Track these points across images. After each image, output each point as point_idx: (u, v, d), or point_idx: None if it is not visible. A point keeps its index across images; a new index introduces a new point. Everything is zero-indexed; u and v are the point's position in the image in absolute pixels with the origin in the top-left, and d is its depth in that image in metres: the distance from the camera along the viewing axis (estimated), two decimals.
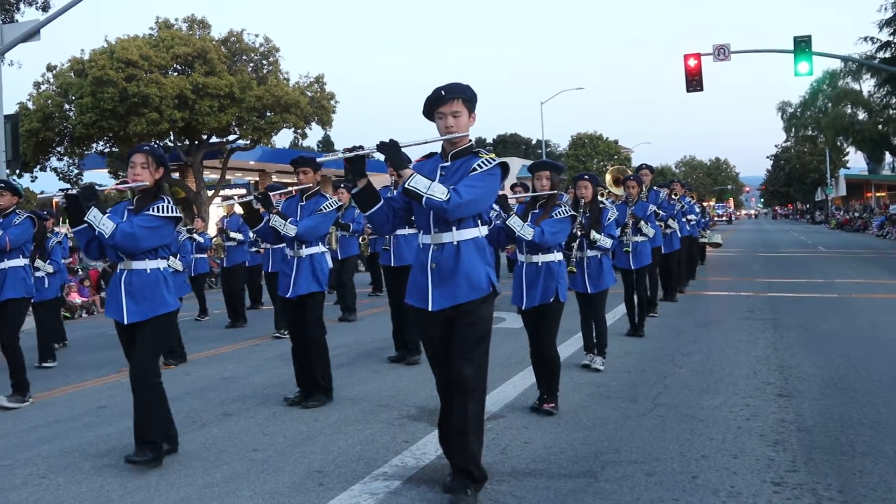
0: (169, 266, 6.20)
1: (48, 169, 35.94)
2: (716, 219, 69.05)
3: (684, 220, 16.63)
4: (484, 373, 4.92)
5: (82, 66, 31.34)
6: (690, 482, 5.16)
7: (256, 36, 35.76)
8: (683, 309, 14.34)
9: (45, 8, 27.82)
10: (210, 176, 40.58)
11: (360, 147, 4.99)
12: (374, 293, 18.76)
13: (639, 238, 11.41)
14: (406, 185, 4.76)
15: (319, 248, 7.93)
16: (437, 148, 5.21)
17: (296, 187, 8.02)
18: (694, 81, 27.97)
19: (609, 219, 8.68)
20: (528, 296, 7.00)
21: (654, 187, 14.73)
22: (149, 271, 5.98)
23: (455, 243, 4.91)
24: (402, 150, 4.95)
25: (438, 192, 4.67)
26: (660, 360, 9.36)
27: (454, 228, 4.91)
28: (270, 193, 7.95)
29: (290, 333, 7.97)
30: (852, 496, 4.88)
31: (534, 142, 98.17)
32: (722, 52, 27.89)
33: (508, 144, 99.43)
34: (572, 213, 7.11)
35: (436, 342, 5.03)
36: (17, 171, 30.93)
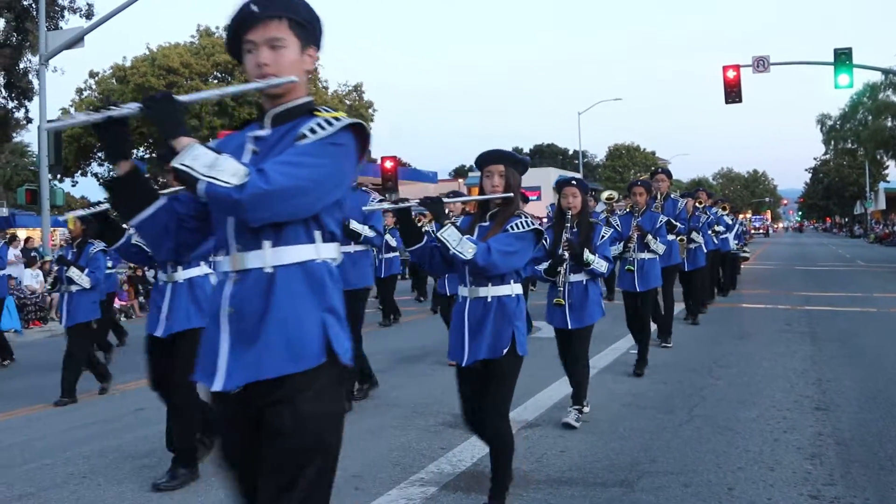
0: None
1: (89, 174, 36.50)
2: (752, 231, 68.50)
3: (710, 232, 15.44)
4: None
5: (124, 72, 31.81)
6: (727, 494, 5.15)
7: None
8: (720, 321, 14.26)
9: (88, 15, 28.19)
10: None
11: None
12: (418, 299, 18.86)
13: (645, 255, 9.52)
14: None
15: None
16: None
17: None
18: (732, 93, 27.80)
19: (602, 236, 7.06)
20: (472, 347, 4.80)
21: (673, 195, 12.74)
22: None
23: (269, 271, 2.73)
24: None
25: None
26: (696, 372, 9.32)
27: (266, 243, 2.74)
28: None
29: None
30: None
31: (570, 152, 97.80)
32: (761, 64, 27.71)
33: (545, 155, 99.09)
34: (535, 226, 4.78)
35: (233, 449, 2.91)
36: (59, 176, 31.39)
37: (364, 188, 8.22)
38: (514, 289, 4.87)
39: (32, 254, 21.29)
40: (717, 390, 8.30)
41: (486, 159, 4.94)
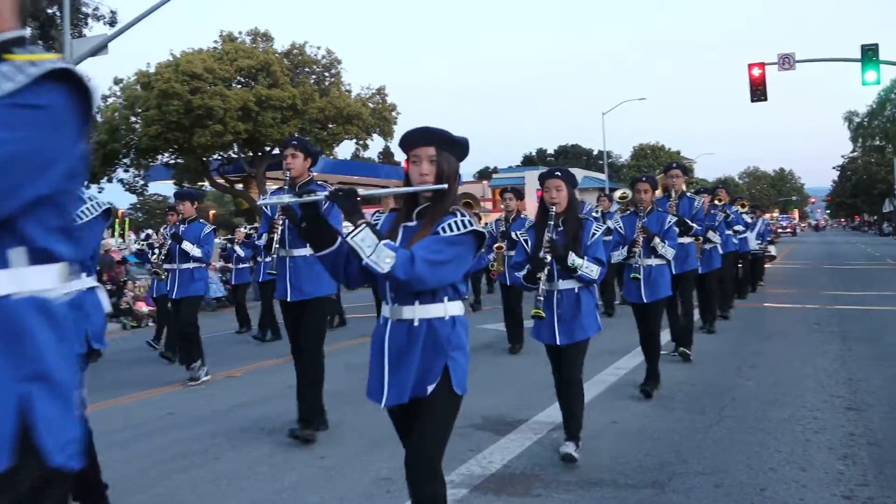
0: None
1: (115, 180, 36.75)
2: (779, 230, 68.04)
3: (729, 232, 14.59)
4: None
5: (148, 79, 31.95)
6: (759, 494, 5.11)
7: (319, 48, 36.27)
8: (748, 321, 14.18)
9: (112, 23, 28.39)
10: (273, 187, 41.04)
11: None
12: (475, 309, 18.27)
13: (653, 261, 8.32)
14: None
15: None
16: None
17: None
18: (758, 91, 27.69)
19: (593, 234, 6.00)
20: (393, 383, 3.71)
21: (689, 193, 11.24)
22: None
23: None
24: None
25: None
26: (725, 372, 9.26)
27: None
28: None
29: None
30: None
31: (595, 153, 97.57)
32: (787, 62, 27.57)
33: (569, 155, 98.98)
34: (474, 227, 3.64)
35: None
36: (86, 182, 31.61)
37: (319, 183, 7.32)
38: (450, 308, 3.72)
39: None
40: (747, 391, 8.25)
41: (411, 140, 3.77)
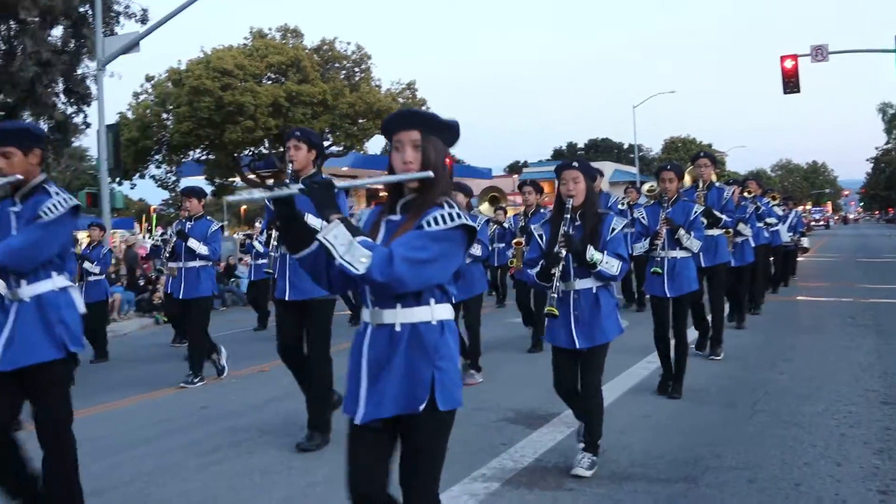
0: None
1: (147, 176, 37.09)
2: (812, 223, 67.43)
3: (760, 225, 13.99)
4: None
5: (179, 76, 32.18)
6: (793, 489, 5.08)
7: (348, 43, 36.43)
8: (780, 315, 14.06)
9: (143, 20, 28.53)
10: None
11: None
12: (499, 304, 18.27)
13: (678, 253, 7.92)
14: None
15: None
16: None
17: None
18: (791, 83, 27.44)
19: (613, 229, 5.61)
20: (371, 396, 3.27)
21: (718, 184, 10.45)
22: None
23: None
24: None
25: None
26: (758, 366, 9.20)
27: None
28: None
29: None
30: None
31: (626, 146, 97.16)
32: (819, 53, 27.29)
33: (600, 149, 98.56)
34: (463, 221, 3.20)
35: None
36: (118, 179, 31.90)
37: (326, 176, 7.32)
38: (438, 312, 3.27)
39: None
40: (781, 384, 8.19)
41: (393, 124, 3.42)
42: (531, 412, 7.31)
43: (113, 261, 15.74)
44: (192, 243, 9.94)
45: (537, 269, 5.65)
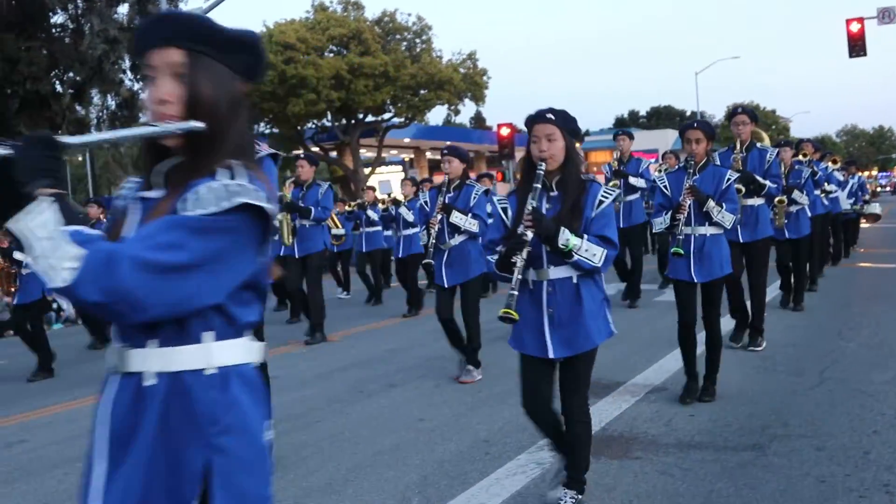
0: None
1: None
2: (878, 189, 65.82)
3: (818, 192, 12.17)
4: None
5: None
6: (862, 457, 5.04)
7: (409, 15, 36.45)
8: (845, 282, 13.82)
9: None
10: (366, 154, 41.40)
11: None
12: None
13: (706, 230, 6.40)
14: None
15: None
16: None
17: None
18: (857, 46, 26.78)
19: (599, 204, 4.20)
20: (111, 493, 1.93)
21: (760, 144, 8.80)
22: None
23: None
24: None
25: None
26: (825, 334, 9.09)
27: None
28: None
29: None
30: None
31: (688, 113, 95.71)
32: (887, 15, 26.60)
33: (662, 116, 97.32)
34: (248, 200, 1.90)
35: None
36: None
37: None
38: (218, 354, 1.98)
39: None
40: (849, 352, 8.08)
41: (143, 40, 2.07)
42: (596, 381, 7.22)
43: None
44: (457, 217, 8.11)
45: (495, 256, 4.30)
